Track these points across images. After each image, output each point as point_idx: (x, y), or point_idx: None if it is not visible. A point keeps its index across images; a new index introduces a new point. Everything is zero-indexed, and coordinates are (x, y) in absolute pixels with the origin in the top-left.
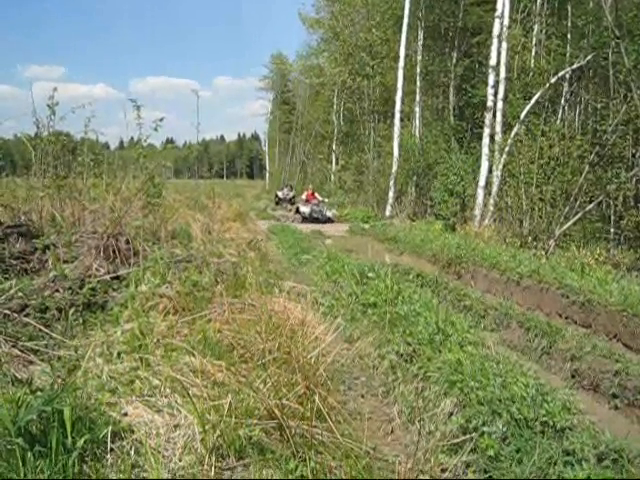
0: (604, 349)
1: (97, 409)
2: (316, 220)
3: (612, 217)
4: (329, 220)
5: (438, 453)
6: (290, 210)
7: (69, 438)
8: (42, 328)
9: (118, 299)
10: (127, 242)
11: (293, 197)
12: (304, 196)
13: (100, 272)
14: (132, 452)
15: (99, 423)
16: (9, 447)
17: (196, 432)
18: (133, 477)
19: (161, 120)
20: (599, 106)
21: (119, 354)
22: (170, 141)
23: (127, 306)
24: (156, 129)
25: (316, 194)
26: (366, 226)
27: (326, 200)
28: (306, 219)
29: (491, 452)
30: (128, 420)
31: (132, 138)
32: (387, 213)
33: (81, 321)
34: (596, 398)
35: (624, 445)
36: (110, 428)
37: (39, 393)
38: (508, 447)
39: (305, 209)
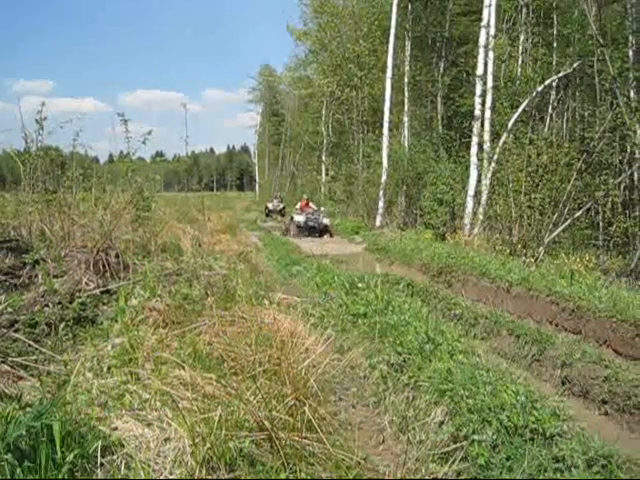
0: (594, 355)
1: (87, 424)
2: (312, 229)
3: (601, 223)
4: (326, 229)
5: (429, 462)
6: (281, 221)
7: (59, 453)
8: (32, 343)
9: (108, 313)
10: (117, 256)
11: (283, 208)
12: (298, 206)
13: (90, 286)
14: (122, 466)
15: (89, 438)
16: None
17: (186, 445)
18: None
19: (149, 133)
20: (586, 113)
21: (109, 368)
22: (160, 154)
23: (117, 320)
24: (144, 142)
25: (311, 203)
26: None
27: (322, 209)
28: (301, 228)
29: (481, 460)
30: (118, 434)
31: (121, 152)
32: (377, 223)
33: (71, 336)
34: (586, 404)
35: (613, 451)
36: (100, 442)
37: (28, 408)
38: (498, 455)
39: (300, 218)
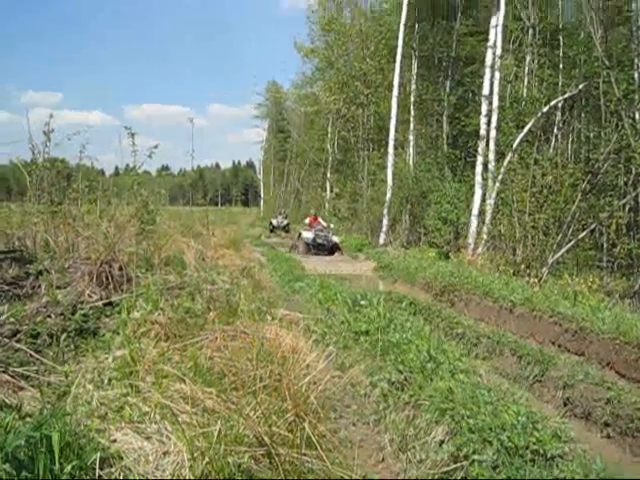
0: (596, 377)
1: (86, 435)
2: (321, 247)
3: (605, 245)
4: (336, 247)
5: None
6: (285, 237)
7: (57, 464)
8: (33, 354)
9: (110, 325)
10: (120, 268)
11: (287, 225)
12: (307, 221)
13: (93, 298)
14: (121, 478)
15: (88, 449)
16: None
17: (185, 459)
18: None
19: (155, 147)
20: (591, 135)
21: (110, 380)
22: (165, 168)
23: (119, 332)
24: (150, 156)
25: (320, 219)
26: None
27: (332, 225)
28: (309, 245)
29: None
30: (117, 446)
31: (127, 165)
32: (381, 241)
33: (73, 347)
34: (588, 426)
35: (615, 473)
36: (99, 454)
37: (28, 419)
38: (499, 475)
39: (308, 235)
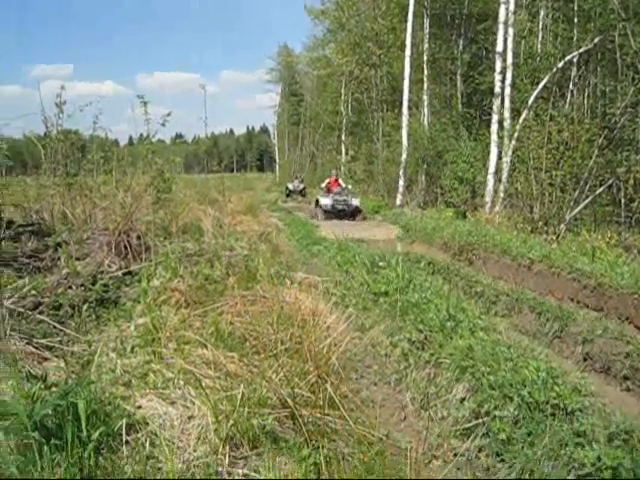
0: (615, 332)
1: (111, 402)
2: (341, 213)
3: (622, 200)
4: (357, 211)
5: (450, 438)
6: (301, 202)
7: (84, 431)
8: (56, 325)
9: (130, 294)
10: (138, 238)
11: (304, 189)
12: (324, 185)
13: (112, 268)
14: (147, 444)
15: (114, 416)
16: (26, 441)
17: (209, 423)
18: (149, 468)
19: (169, 115)
20: (607, 89)
21: (132, 348)
22: (179, 136)
23: (139, 301)
24: (164, 124)
25: (340, 180)
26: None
27: (350, 187)
28: (329, 213)
29: (503, 435)
30: (142, 412)
31: (141, 134)
32: (398, 202)
33: (94, 317)
34: (607, 380)
35: (634, 425)
36: (125, 421)
37: (54, 388)
38: (520, 430)
39: (326, 201)
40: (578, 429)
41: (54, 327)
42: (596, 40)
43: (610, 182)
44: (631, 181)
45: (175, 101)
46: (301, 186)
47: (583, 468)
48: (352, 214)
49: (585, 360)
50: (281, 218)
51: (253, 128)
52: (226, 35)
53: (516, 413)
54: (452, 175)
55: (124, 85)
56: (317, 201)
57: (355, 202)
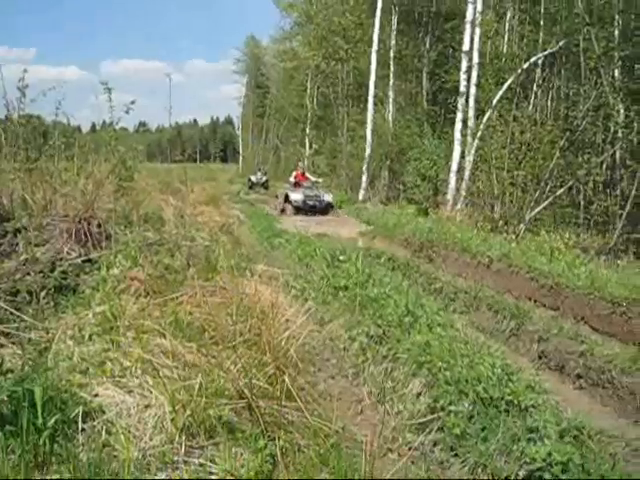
0: (571, 331)
1: (68, 390)
2: (313, 209)
3: (582, 202)
4: (329, 206)
5: (406, 432)
6: (264, 194)
7: (40, 418)
8: (13, 311)
9: (90, 282)
10: (99, 225)
11: (267, 181)
12: (292, 178)
13: (72, 255)
14: (103, 432)
15: (70, 404)
16: None
17: (166, 412)
18: (104, 455)
19: (132, 103)
20: (571, 92)
21: (90, 336)
22: (143, 125)
23: (99, 289)
24: (127, 112)
25: (307, 174)
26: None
27: (320, 180)
28: (300, 209)
29: (457, 430)
30: (99, 401)
31: (104, 121)
32: (360, 197)
33: (52, 304)
34: (562, 378)
35: (585, 422)
36: (81, 408)
37: (9, 375)
38: (474, 425)
39: (297, 196)
40: (531, 425)
41: (11, 313)
42: (561, 43)
43: (570, 184)
44: (590, 184)
45: (140, 89)
46: (264, 178)
47: (534, 463)
48: (324, 210)
49: (540, 358)
50: (243, 210)
51: (218, 119)
52: (195, 23)
53: (471, 408)
54: (415, 172)
55: (88, 71)
56: (286, 196)
57: (327, 198)
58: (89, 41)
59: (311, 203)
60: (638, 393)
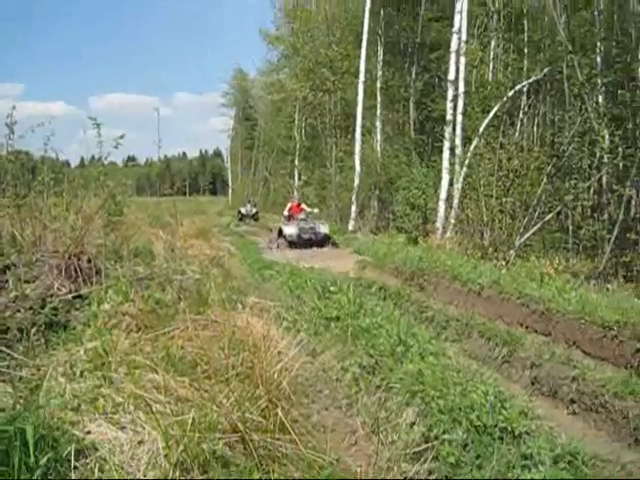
0: (563, 356)
1: (60, 427)
2: (309, 242)
3: (570, 227)
4: (326, 239)
5: (400, 462)
6: (253, 225)
7: (32, 457)
8: (3, 349)
9: (80, 318)
10: (89, 261)
11: (256, 213)
12: (286, 212)
13: (62, 291)
14: (96, 469)
15: (62, 441)
16: None
17: (160, 447)
18: None
19: (121, 137)
20: (556, 118)
21: (82, 373)
22: (132, 159)
23: (90, 325)
24: (116, 147)
25: (303, 205)
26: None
27: (315, 211)
28: (294, 244)
29: (452, 459)
30: (92, 438)
31: (93, 156)
32: (350, 227)
33: (43, 341)
34: (555, 404)
35: (579, 448)
36: (73, 446)
37: (1, 413)
38: (468, 453)
39: (291, 230)
40: (525, 452)
41: (1, 351)
42: (545, 70)
43: (558, 209)
44: (578, 209)
45: (128, 123)
46: (254, 210)
47: None
48: (320, 243)
49: (533, 384)
50: (233, 242)
51: (206, 151)
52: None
53: (465, 437)
54: (404, 201)
55: (76, 106)
56: (280, 231)
57: (323, 229)
58: (76, 76)
59: (306, 237)
60: (631, 417)
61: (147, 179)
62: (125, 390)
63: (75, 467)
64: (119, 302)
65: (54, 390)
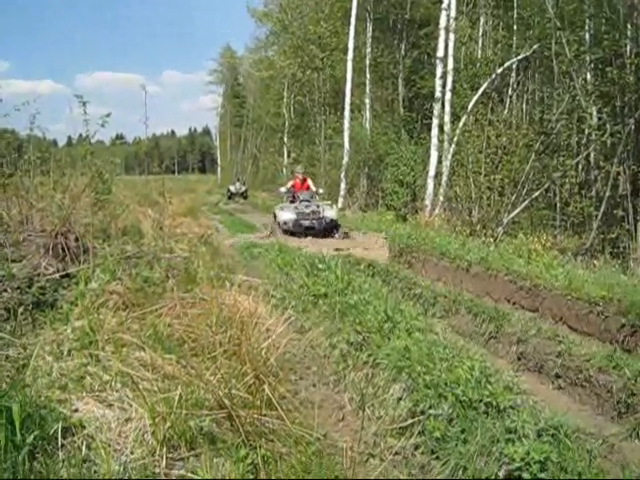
0: (549, 332)
1: (47, 406)
2: (310, 231)
3: (558, 204)
4: (333, 226)
5: (387, 437)
6: (243, 204)
7: (18, 435)
8: None
9: (68, 297)
10: (76, 240)
11: (246, 191)
12: (285, 188)
13: (49, 271)
14: (83, 447)
15: (49, 420)
16: None
17: (147, 425)
18: (85, 471)
19: (108, 116)
20: (545, 96)
21: (69, 351)
22: (119, 137)
23: (77, 304)
24: (103, 125)
25: (309, 181)
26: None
27: (321, 191)
28: (291, 232)
29: (437, 433)
30: (79, 416)
31: (80, 135)
32: (339, 205)
33: (30, 320)
34: (540, 379)
35: (562, 421)
36: (60, 424)
37: None
38: (454, 428)
39: (287, 215)
40: (509, 426)
41: None
42: (534, 47)
43: (546, 186)
44: (566, 185)
45: (116, 101)
46: (243, 188)
47: (513, 463)
48: (326, 231)
49: (519, 359)
50: (222, 220)
51: (195, 129)
52: (170, 35)
53: (450, 411)
54: (393, 178)
55: (63, 84)
56: (274, 216)
57: (329, 214)
58: (63, 54)
59: (307, 223)
60: (615, 391)
61: (135, 157)
62: (112, 368)
63: (62, 445)
64: (107, 281)
65: (41, 369)
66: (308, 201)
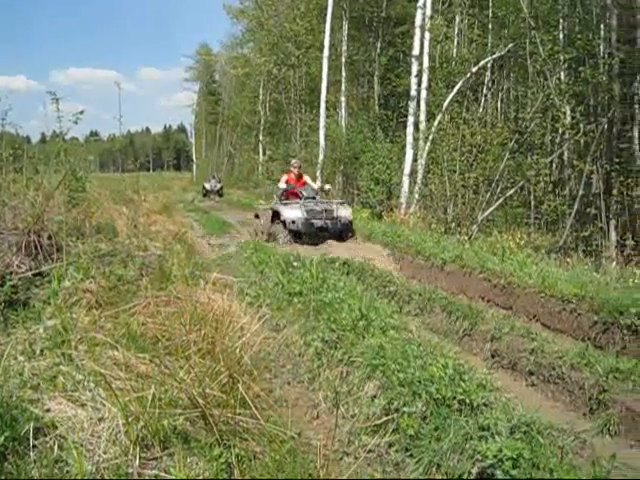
0: (522, 329)
1: (18, 406)
2: (323, 233)
3: (532, 202)
4: (348, 229)
5: (361, 435)
6: (218, 201)
7: None
8: None
9: (40, 296)
10: (50, 238)
11: (221, 188)
12: (282, 183)
13: (21, 269)
14: (55, 447)
15: (21, 420)
16: None
17: (120, 424)
18: (57, 471)
19: (81, 113)
20: (519, 94)
21: (41, 351)
22: (94, 134)
23: (50, 302)
24: (76, 122)
25: (306, 177)
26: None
27: (328, 187)
28: (300, 233)
29: (411, 431)
30: (51, 416)
31: (54, 132)
32: None
33: (2, 319)
34: (514, 376)
35: (535, 418)
36: (32, 424)
37: None
38: (427, 425)
39: (293, 213)
40: (482, 423)
41: None
42: (509, 47)
43: (520, 184)
44: (540, 184)
45: (91, 98)
46: (218, 186)
47: (486, 460)
48: (340, 234)
49: (493, 357)
50: (197, 218)
51: (170, 127)
52: (147, 31)
53: (424, 409)
54: (368, 176)
55: (37, 80)
56: (276, 214)
57: (345, 214)
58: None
59: (320, 223)
60: (587, 387)
61: (110, 155)
62: (85, 367)
63: (34, 446)
64: (80, 279)
65: (13, 368)
66: (313, 198)
